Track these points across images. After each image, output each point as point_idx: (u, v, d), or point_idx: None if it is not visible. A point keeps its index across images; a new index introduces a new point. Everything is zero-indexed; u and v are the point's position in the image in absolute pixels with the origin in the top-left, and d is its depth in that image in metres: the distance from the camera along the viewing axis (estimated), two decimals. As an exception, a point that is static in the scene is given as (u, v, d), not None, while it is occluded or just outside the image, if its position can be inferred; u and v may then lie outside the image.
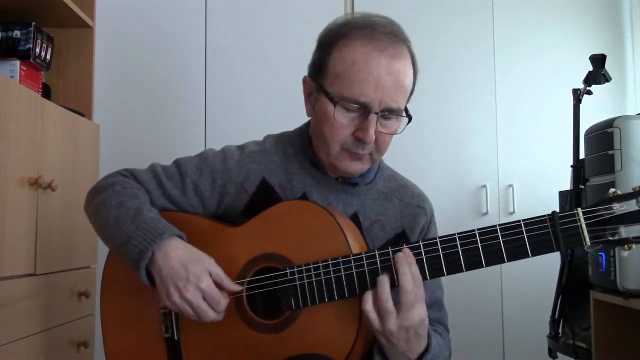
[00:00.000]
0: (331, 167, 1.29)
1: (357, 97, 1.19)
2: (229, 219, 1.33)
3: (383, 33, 1.22)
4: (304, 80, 1.32)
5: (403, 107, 1.24)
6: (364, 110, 1.20)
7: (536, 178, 2.90)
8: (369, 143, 1.21)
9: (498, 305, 2.88)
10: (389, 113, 1.21)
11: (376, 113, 1.19)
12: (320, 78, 1.25)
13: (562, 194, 2.51)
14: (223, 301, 1.19)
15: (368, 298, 1.13)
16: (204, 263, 1.19)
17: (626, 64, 3.03)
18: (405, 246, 1.15)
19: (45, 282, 1.75)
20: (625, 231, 1.05)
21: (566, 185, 2.41)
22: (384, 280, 1.12)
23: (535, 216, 1.10)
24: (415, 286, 1.12)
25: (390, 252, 1.14)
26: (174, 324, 1.26)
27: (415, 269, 1.13)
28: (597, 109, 2.57)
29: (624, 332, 2.06)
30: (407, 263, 1.13)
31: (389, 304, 1.11)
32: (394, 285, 1.13)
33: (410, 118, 1.25)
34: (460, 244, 1.12)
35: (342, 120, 1.21)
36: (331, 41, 1.25)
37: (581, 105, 2.33)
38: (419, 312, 1.12)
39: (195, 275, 1.17)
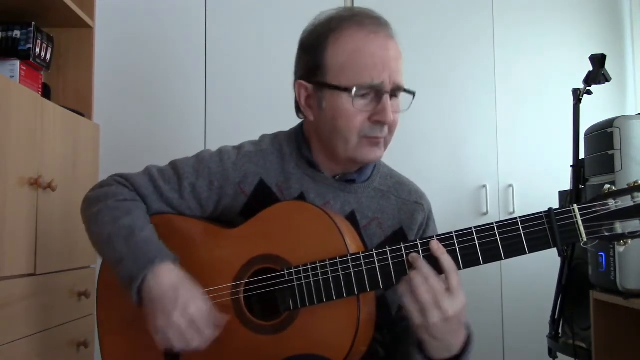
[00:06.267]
0: (348, 161, 1.27)
1: (370, 81, 1.20)
2: (226, 220, 1.33)
3: (369, 18, 1.25)
4: (299, 85, 1.29)
5: None
6: (377, 93, 1.21)
7: (536, 178, 2.90)
8: (388, 123, 1.23)
9: (498, 305, 2.88)
10: (397, 90, 1.23)
11: (388, 92, 1.21)
12: (319, 77, 1.25)
13: (562, 194, 2.51)
14: (210, 329, 1.16)
15: (406, 293, 1.09)
16: (193, 291, 1.18)
17: (626, 64, 3.03)
18: (418, 241, 1.13)
19: (45, 282, 1.75)
20: (621, 227, 1.05)
21: (566, 185, 2.41)
22: (417, 275, 1.08)
23: (531, 213, 1.10)
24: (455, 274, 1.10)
25: (388, 252, 1.14)
26: None
27: (448, 258, 1.10)
28: (597, 109, 2.57)
29: (624, 332, 2.07)
30: (441, 253, 1.10)
31: (426, 296, 1.07)
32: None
33: (414, 94, 1.26)
34: (457, 242, 1.11)
35: (359, 108, 1.21)
36: (321, 39, 1.25)
37: (581, 105, 2.33)
38: (461, 300, 1.09)
39: (185, 301, 1.15)
